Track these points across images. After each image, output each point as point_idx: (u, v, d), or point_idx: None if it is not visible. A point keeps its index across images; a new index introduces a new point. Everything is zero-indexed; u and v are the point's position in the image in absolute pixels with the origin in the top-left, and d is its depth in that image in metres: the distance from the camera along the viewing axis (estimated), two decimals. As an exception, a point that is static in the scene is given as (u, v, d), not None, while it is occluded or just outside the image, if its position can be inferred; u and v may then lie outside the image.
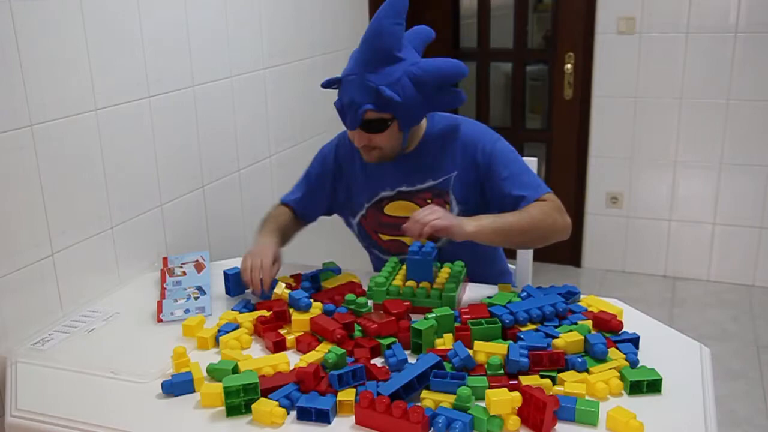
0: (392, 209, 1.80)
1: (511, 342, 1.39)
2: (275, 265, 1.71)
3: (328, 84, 1.70)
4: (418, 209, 1.61)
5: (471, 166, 1.73)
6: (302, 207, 1.92)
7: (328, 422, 1.21)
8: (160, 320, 1.64)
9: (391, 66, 1.61)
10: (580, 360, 1.32)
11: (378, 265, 1.93)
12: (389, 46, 1.60)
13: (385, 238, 1.83)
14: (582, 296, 1.63)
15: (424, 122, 1.79)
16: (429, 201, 1.76)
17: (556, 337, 1.39)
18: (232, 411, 1.24)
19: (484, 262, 1.88)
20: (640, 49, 3.55)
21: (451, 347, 1.39)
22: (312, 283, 1.73)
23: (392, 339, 1.45)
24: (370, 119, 1.64)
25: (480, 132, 1.77)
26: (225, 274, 1.76)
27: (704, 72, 3.48)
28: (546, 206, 1.64)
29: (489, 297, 1.60)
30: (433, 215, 1.54)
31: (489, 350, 1.36)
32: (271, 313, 1.57)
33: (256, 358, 1.41)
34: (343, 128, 1.81)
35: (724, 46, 3.42)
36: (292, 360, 1.41)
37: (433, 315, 1.48)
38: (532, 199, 1.65)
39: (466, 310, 1.50)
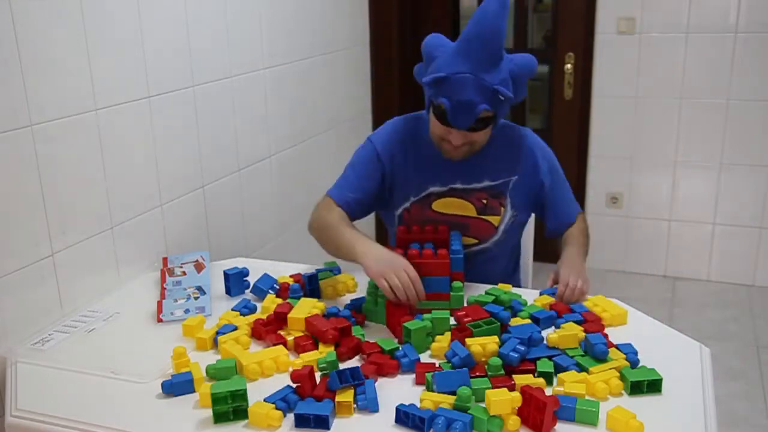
0: (441, 206, 1.78)
1: (505, 334, 1.41)
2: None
3: (433, 80, 1.59)
4: (472, 209, 1.75)
5: (532, 174, 1.78)
6: (355, 203, 1.77)
7: (327, 428, 1.21)
8: (160, 320, 1.64)
9: (500, 64, 1.59)
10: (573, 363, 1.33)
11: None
12: (502, 45, 1.59)
13: None
14: (589, 296, 1.64)
15: None
16: (485, 201, 1.76)
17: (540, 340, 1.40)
18: (220, 418, 1.24)
19: (504, 273, 1.92)
20: (640, 49, 3.55)
21: (448, 347, 1.39)
22: (310, 283, 1.73)
23: (395, 345, 1.45)
24: (479, 118, 1.61)
25: (542, 144, 1.83)
26: (225, 274, 1.76)
27: (704, 72, 3.48)
28: (585, 230, 1.85)
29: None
30: (582, 283, 1.62)
31: (481, 343, 1.37)
32: (268, 315, 1.57)
33: (254, 352, 1.42)
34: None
35: (724, 46, 3.42)
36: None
37: (430, 316, 1.48)
38: (574, 217, 1.84)
39: (462, 312, 1.49)
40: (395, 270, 1.50)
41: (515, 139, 1.79)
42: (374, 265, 1.53)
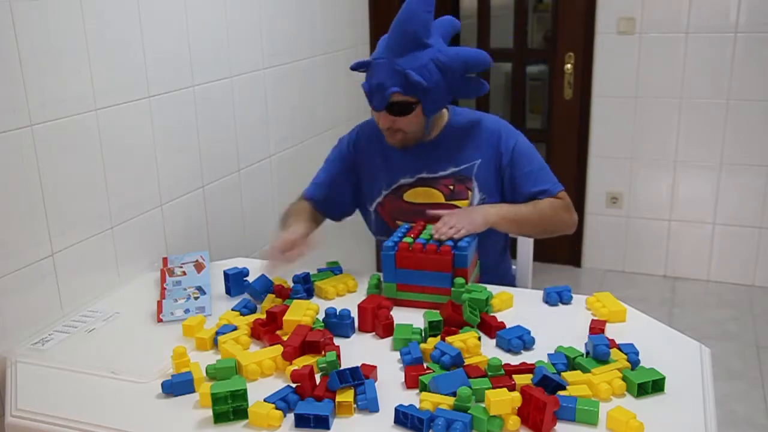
0: (412, 196, 1.84)
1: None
2: (304, 242, 1.69)
3: (357, 66, 1.74)
4: (440, 196, 1.77)
5: (494, 155, 1.82)
6: (323, 198, 1.90)
7: (327, 428, 1.21)
8: (160, 320, 1.64)
9: (419, 51, 1.67)
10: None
11: None
12: (418, 32, 1.67)
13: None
14: (595, 292, 1.65)
15: (446, 113, 1.87)
16: (451, 187, 1.81)
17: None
18: (220, 418, 1.24)
19: (490, 260, 1.90)
20: (640, 49, 3.55)
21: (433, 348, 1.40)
22: (303, 283, 1.73)
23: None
24: (396, 101, 1.70)
25: (502, 124, 1.87)
26: (225, 274, 1.76)
27: (704, 72, 3.48)
28: (557, 204, 1.79)
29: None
30: (463, 223, 1.63)
31: (462, 339, 1.40)
32: (266, 316, 1.56)
33: (254, 352, 1.42)
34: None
35: (724, 46, 3.42)
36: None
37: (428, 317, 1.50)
38: (546, 196, 1.79)
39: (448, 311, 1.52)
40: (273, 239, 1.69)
41: (476, 125, 1.85)
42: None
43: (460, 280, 1.59)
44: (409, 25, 1.66)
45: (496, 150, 1.81)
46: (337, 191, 1.91)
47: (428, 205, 1.81)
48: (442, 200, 1.82)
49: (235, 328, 1.53)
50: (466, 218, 1.67)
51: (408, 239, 1.64)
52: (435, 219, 1.72)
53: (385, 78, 1.67)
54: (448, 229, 1.63)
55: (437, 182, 1.82)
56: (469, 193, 1.81)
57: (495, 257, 1.93)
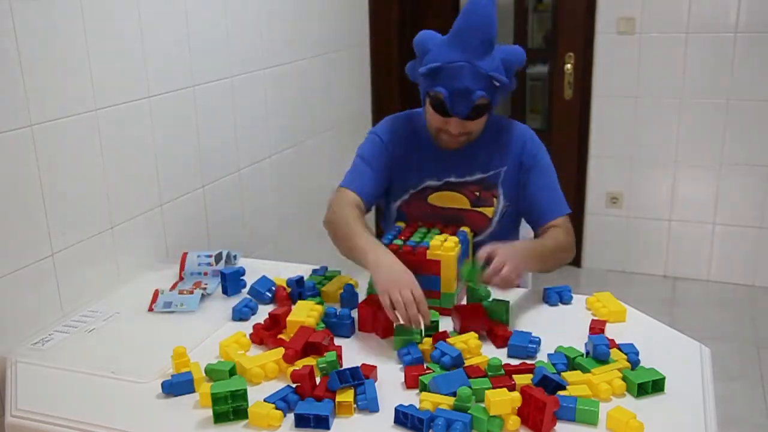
0: (436, 199, 1.81)
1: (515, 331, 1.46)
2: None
3: (428, 70, 1.64)
4: (466, 201, 1.76)
5: (517, 164, 1.79)
6: (369, 192, 1.78)
7: (327, 428, 1.21)
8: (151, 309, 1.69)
9: (492, 53, 1.64)
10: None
11: None
12: (494, 34, 1.63)
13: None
14: (595, 292, 1.65)
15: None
16: (477, 194, 1.79)
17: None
18: (220, 417, 1.24)
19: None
20: (640, 49, 3.55)
21: (433, 348, 1.40)
22: (297, 286, 1.71)
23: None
24: (476, 105, 1.65)
25: (530, 135, 1.83)
26: (221, 273, 1.76)
27: (704, 72, 3.48)
28: (568, 233, 1.75)
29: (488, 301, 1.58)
30: (513, 274, 1.49)
31: (463, 340, 1.40)
32: (266, 319, 1.56)
33: (254, 356, 1.41)
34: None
35: (724, 46, 3.42)
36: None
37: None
38: (555, 217, 1.75)
39: (461, 313, 1.51)
40: (401, 287, 1.44)
41: (504, 131, 1.82)
42: (383, 278, 1.48)
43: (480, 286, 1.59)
44: (487, 29, 1.61)
45: (519, 160, 1.78)
46: (380, 187, 1.82)
47: (452, 209, 1.79)
48: (468, 206, 1.80)
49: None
50: (517, 268, 1.51)
51: (398, 241, 1.64)
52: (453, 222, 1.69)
53: (471, 83, 1.61)
54: (509, 274, 1.48)
55: (464, 187, 1.80)
56: (495, 200, 1.80)
57: None
